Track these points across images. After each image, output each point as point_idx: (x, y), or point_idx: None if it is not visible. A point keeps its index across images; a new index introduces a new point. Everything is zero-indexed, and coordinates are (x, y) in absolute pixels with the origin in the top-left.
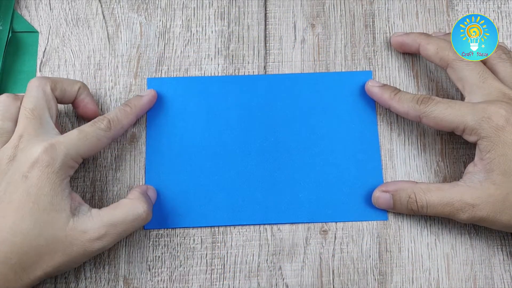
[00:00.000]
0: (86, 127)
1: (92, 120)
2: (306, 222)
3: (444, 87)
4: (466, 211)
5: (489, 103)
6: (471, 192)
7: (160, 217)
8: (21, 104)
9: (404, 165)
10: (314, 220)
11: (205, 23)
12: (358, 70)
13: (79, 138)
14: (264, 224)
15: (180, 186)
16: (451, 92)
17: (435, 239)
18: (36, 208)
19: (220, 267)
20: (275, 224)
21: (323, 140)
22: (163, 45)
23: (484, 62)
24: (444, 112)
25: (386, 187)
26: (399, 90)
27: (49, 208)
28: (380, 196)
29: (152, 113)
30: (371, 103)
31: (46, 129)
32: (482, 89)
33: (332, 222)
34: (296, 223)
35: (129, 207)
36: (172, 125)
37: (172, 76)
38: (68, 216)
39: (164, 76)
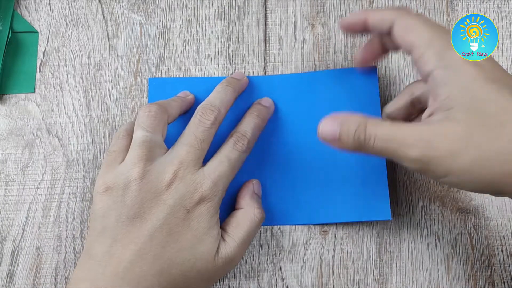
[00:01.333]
0: (231, 153)
1: (231, 141)
2: (307, 224)
3: None
4: (418, 146)
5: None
6: (428, 128)
7: None
8: (169, 120)
9: None
10: (314, 221)
11: (205, 23)
12: (358, 70)
13: (230, 168)
14: (265, 225)
15: None
16: None
17: (435, 239)
18: (194, 241)
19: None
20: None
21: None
22: (163, 45)
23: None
24: (417, 25)
25: (334, 115)
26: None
27: (204, 241)
28: (326, 124)
29: None
30: (375, 100)
31: (201, 161)
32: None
33: (334, 223)
34: (297, 225)
35: (249, 219)
36: (172, 125)
37: (172, 75)
38: (215, 247)
39: (164, 76)
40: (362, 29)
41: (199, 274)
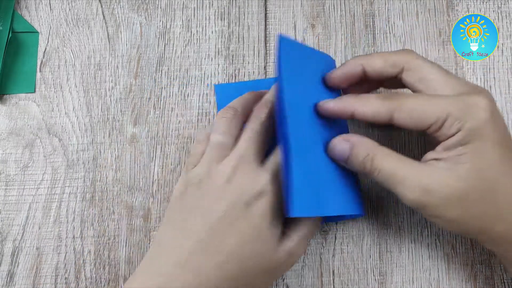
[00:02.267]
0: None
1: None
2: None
3: None
4: (416, 192)
5: (471, 94)
6: (430, 174)
7: None
8: (243, 121)
9: None
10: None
11: (205, 23)
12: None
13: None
14: None
15: None
16: None
17: (435, 239)
18: (256, 238)
19: None
20: None
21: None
22: (163, 45)
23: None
24: (422, 103)
25: (348, 136)
26: (359, 94)
27: (267, 239)
28: (339, 143)
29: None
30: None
31: (261, 155)
32: (450, 82)
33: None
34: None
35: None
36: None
37: (173, 76)
38: (277, 242)
39: (164, 76)
40: (358, 77)
41: (260, 270)
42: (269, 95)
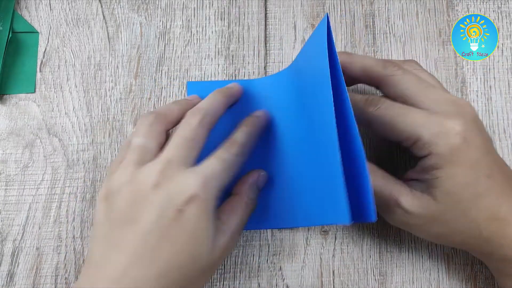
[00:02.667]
0: (224, 155)
1: (225, 145)
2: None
3: (444, 87)
4: (398, 214)
5: (446, 117)
6: (410, 197)
7: None
8: (167, 127)
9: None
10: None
11: (205, 24)
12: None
13: (222, 168)
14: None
15: None
16: (452, 92)
17: None
18: (192, 243)
19: (221, 267)
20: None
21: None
22: (163, 46)
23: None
24: (396, 119)
25: None
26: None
27: (204, 242)
28: None
29: None
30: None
31: (191, 161)
32: (428, 97)
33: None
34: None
35: (241, 207)
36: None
37: (173, 76)
38: (213, 243)
39: (164, 76)
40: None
41: (200, 272)
42: (204, 103)
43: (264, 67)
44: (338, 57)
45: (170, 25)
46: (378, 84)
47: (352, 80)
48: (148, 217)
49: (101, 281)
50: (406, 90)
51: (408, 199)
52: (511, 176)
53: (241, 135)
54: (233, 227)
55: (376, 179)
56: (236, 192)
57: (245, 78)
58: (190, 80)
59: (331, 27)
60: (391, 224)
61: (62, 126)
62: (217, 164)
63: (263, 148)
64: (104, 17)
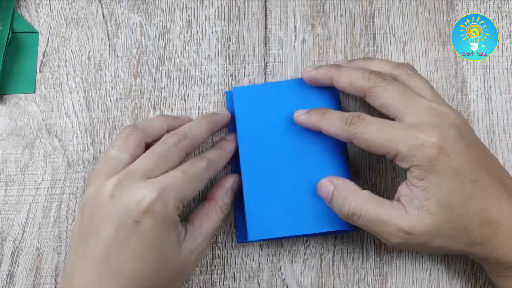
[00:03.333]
0: (188, 168)
1: (191, 160)
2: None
3: (444, 87)
4: (399, 236)
5: (421, 129)
6: (409, 219)
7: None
8: (145, 139)
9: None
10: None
11: (205, 24)
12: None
13: (184, 180)
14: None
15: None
16: (452, 92)
17: None
18: (155, 254)
19: (221, 267)
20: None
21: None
22: (163, 46)
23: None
24: (374, 135)
25: (334, 178)
26: (327, 110)
27: (167, 251)
28: (324, 184)
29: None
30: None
31: (154, 174)
32: (410, 108)
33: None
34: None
35: (216, 212)
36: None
37: (173, 76)
38: (179, 247)
39: (164, 76)
40: (328, 85)
41: (169, 278)
42: (186, 127)
43: (264, 67)
44: (328, 71)
45: (170, 25)
46: (364, 96)
47: (343, 92)
48: (107, 230)
49: None
50: (388, 101)
51: (406, 219)
52: (503, 178)
53: (211, 152)
54: (205, 232)
55: (372, 206)
56: (210, 197)
57: (245, 78)
58: (226, 90)
59: (331, 27)
60: (391, 247)
61: (62, 126)
62: (178, 175)
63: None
64: (104, 17)
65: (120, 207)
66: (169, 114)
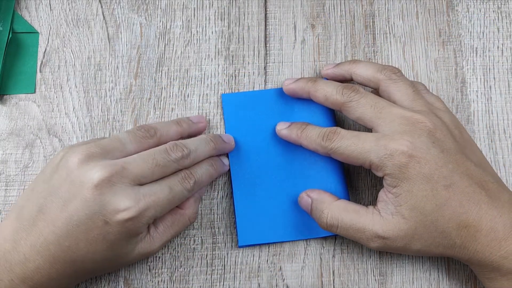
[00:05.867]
0: (175, 185)
1: (180, 175)
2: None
3: (444, 87)
4: (376, 241)
5: (391, 139)
6: (383, 224)
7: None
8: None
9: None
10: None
11: (205, 24)
12: None
13: (169, 199)
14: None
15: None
16: (452, 93)
17: None
18: (108, 251)
19: (221, 267)
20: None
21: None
22: (163, 46)
23: (377, 88)
24: (349, 149)
25: (311, 192)
26: (306, 125)
27: (120, 252)
28: (303, 197)
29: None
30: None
31: (142, 180)
32: (382, 119)
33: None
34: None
35: (183, 222)
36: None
37: (173, 76)
38: (134, 249)
39: (164, 77)
40: (307, 98)
41: (112, 267)
42: (193, 145)
43: (264, 67)
44: (305, 85)
45: (170, 26)
46: (340, 110)
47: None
48: (78, 212)
49: (25, 243)
50: (361, 115)
51: (382, 225)
52: (485, 182)
53: (203, 169)
54: (165, 239)
55: (347, 216)
56: (182, 205)
57: (245, 79)
58: (223, 92)
59: (331, 28)
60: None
61: (62, 127)
62: (164, 193)
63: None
64: (104, 17)
65: (99, 202)
66: (182, 116)
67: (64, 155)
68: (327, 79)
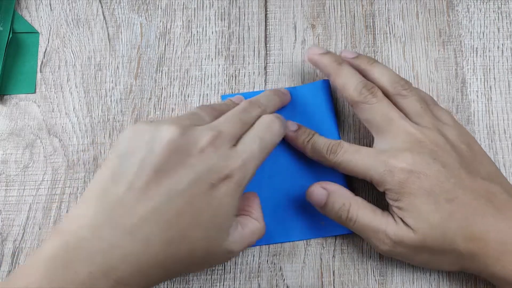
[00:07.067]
0: (264, 133)
1: (266, 120)
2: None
3: (444, 87)
4: (387, 244)
5: (391, 155)
6: (396, 229)
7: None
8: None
9: None
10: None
11: (206, 24)
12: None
13: (261, 149)
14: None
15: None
16: (452, 93)
17: None
18: (211, 222)
19: (221, 267)
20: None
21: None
22: (163, 46)
23: (387, 96)
24: (351, 164)
25: (325, 184)
26: (313, 135)
27: (221, 227)
28: (315, 190)
29: None
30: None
31: (235, 140)
32: (388, 132)
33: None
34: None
35: (258, 232)
36: None
37: (173, 76)
38: (226, 236)
39: (164, 77)
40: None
41: (204, 258)
42: (264, 100)
43: (264, 68)
44: (330, 64)
45: (171, 26)
46: (351, 105)
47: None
48: (182, 178)
49: (108, 225)
50: (370, 119)
51: (393, 229)
52: (493, 194)
53: (279, 119)
54: (246, 243)
55: (366, 213)
56: (253, 216)
57: (245, 79)
58: (224, 93)
59: (331, 28)
60: (380, 253)
61: (62, 127)
62: (256, 145)
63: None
64: (104, 17)
65: (206, 165)
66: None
67: (155, 130)
68: None
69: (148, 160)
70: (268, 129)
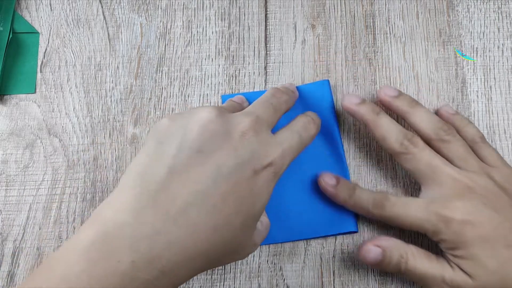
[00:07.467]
0: (303, 131)
1: (303, 119)
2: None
3: (444, 87)
4: None
5: (442, 206)
6: (453, 274)
7: None
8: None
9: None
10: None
11: (206, 24)
12: (358, 71)
13: (298, 144)
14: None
15: None
16: (452, 93)
17: None
18: (250, 210)
19: (221, 267)
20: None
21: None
22: (163, 46)
23: (427, 142)
24: (400, 218)
25: (378, 241)
26: (355, 189)
27: (255, 216)
28: (371, 249)
29: None
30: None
31: (272, 126)
32: (433, 180)
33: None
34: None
35: (268, 227)
36: None
37: (173, 76)
38: (255, 227)
39: (164, 77)
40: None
41: (236, 249)
42: (285, 90)
43: (265, 68)
44: (368, 114)
45: (171, 26)
46: (392, 155)
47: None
48: (227, 161)
49: (151, 211)
50: (414, 170)
51: (451, 275)
52: None
53: (318, 118)
54: (259, 241)
55: (423, 262)
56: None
57: (245, 79)
58: (224, 93)
59: (331, 28)
60: None
61: (62, 127)
62: (296, 139)
63: None
64: (104, 17)
65: (248, 148)
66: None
67: (191, 114)
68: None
69: (187, 141)
70: (305, 128)
